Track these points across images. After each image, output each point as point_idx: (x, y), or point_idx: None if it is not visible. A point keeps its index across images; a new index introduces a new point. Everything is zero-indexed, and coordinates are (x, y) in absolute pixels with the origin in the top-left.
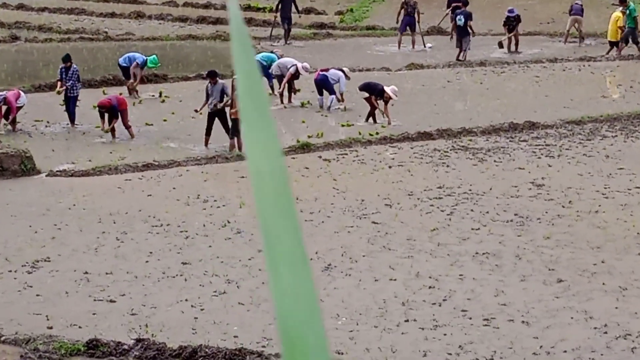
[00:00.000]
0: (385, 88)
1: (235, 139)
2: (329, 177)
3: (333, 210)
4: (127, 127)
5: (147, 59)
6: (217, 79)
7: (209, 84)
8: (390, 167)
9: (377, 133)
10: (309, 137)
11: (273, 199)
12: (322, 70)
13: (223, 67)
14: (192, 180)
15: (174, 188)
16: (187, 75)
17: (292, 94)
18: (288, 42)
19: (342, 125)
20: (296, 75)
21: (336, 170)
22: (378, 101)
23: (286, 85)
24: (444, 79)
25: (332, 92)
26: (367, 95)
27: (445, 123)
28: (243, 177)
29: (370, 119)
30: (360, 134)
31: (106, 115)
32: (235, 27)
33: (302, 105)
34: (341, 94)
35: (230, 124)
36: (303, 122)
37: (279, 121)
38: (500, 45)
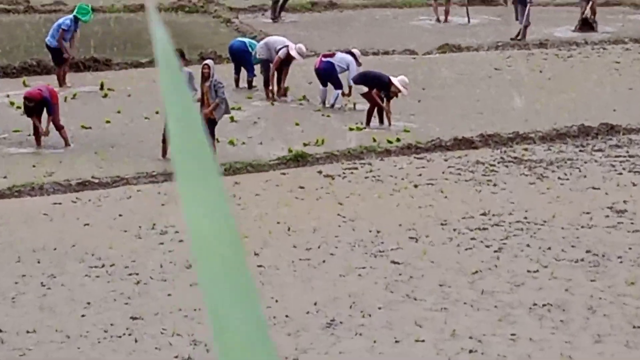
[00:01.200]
0: (392, 79)
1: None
2: (332, 200)
3: (338, 246)
4: (60, 129)
5: (73, 16)
6: (182, 64)
7: None
8: (416, 186)
9: (398, 139)
10: (305, 145)
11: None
12: (325, 56)
13: (189, 48)
14: (146, 204)
15: (120, 215)
16: (138, 61)
17: (282, 86)
18: (277, 16)
19: (351, 129)
20: (287, 60)
21: (342, 191)
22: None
23: (275, 73)
24: (489, 66)
25: (338, 85)
26: (364, 89)
27: (491, 126)
28: None
29: (385, 121)
30: (375, 140)
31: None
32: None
33: (297, 100)
34: (349, 88)
35: None
36: (297, 124)
37: (265, 122)
38: (585, 23)
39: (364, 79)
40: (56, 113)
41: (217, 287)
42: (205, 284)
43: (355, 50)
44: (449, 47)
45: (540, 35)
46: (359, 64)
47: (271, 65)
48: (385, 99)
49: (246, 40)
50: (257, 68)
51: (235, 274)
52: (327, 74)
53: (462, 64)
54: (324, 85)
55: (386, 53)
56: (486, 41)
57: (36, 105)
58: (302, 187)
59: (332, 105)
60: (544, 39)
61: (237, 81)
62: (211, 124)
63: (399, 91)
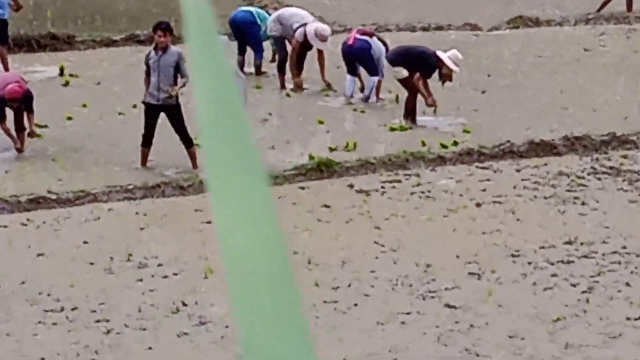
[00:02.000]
0: (441, 54)
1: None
2: (367, 223)
3: (375, 284)
4: (21, 130)
5: None
6: (169, 41)
7: (153, 52)
8: (478, 204)
9: (454, 143)
10: (331, 150)
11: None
12: (361, 33)
13: (178, 20)
14: (119, 227)
15: (85, 242)
16: (110, 38)
17: (298, 71)
18: None
19: (392, 129)
20: (306, 43)
21: (380, 211)
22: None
23: (294, 56)
24: (577, 46)
25: (374, 70)
26: (404, 73)
27: (578, 126)
28: (209, 222)
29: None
30: (424, 144)
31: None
32: None
33: (322, 91)
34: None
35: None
36: (321, 122)
37: (278, 120)
38: None
39: (403, 57)
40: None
41: (259, 321)
42: (243, 317)
43: (387, 41)
44: (522, 20)
45: None
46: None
47: (288, 45)
48: (423, 81)
49: (253, 9)
50: (267, 47)
51: (282, 305)
52: (362, 56)
53: (541, 44)
54: (352, 72)
55: (439, 28)
56: (573, 13)
57: (21, 103)
58: (327, 206)
59: (367, 98)
60: None
61: (241, 64)
62: None
63: (451, 72)
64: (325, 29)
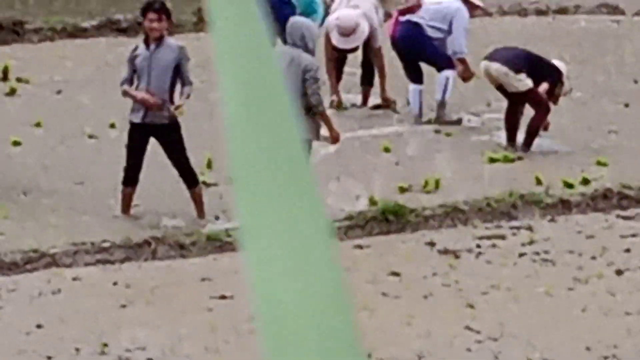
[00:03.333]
0: (557, 63)
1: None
2: (454, 299)
3: None
4: None
5: None
6: (165, 29)
7: (142, 46)
8: (620, 272)
9: (585, 181)
10: (402, 190)
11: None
12: (402, 12)
13: (177, 1)
14: (89, 304)
15: (38, 326)
16: (76, 26)
17: (336, 81)
18: None
19: (492, 161)
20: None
21: (474, 281)
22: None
23: (331, 61)
24: None
25: (443, 61)
26: (528, 84)
27: None
28: (222, 296)
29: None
30: (539, 182)
31: None
32: None
33: (383, 108)
34: (460, 60)
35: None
36: (387, 150)
37: (326, 149)
38: None
39: (525, 62)
40: None
41: None
42: None
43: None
44: None
45: None
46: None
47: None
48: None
49: None
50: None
51: None
52: (415, 44)
53: None
54: (415, 78)
55: (561, 11)
56: None
57: None
58: (396, 274)
59: (443, 101)
60: None
61: None
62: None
63: (563, 87)
64: (347, 16)
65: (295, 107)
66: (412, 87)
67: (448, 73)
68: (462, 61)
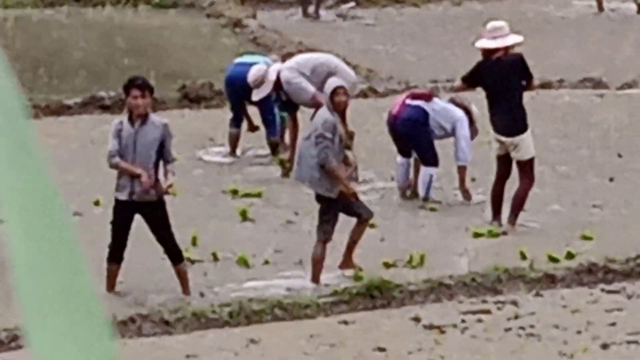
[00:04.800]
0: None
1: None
2: None
3: None
4: None
5: None
6: (149, 105)
7: (127, 123)
8: (605, 345)
9: (569, 255)
10: (387, 266)
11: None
12: (414, 97)
13: (161, 76)
14: None
15: None
16: (60, 102)
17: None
18: (315, 13)
19: (477, 235)
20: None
21: (461, 356)
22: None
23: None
24: None
25: (429, 156)
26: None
27: None
28: None
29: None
30: (524, 257)
31: None
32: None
33: (372, 182)
34: (462, 167)
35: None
36: (372, 227)
37: (309, 221)
38: None
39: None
40: None
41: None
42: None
43: (473, 108)
44: None
45: None
46: (474, 129)
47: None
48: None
49: (260, 58)
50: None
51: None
52: (414, 131)
53: None
54: (405, 153)
55: (545, 86)
56: None
57: None
58: (381, 349)
59: (426, 197)
60: None
61: (234, 140)
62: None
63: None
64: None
65: None
66: (400, 159)
67: (432, 171)
68: (462, 169)
